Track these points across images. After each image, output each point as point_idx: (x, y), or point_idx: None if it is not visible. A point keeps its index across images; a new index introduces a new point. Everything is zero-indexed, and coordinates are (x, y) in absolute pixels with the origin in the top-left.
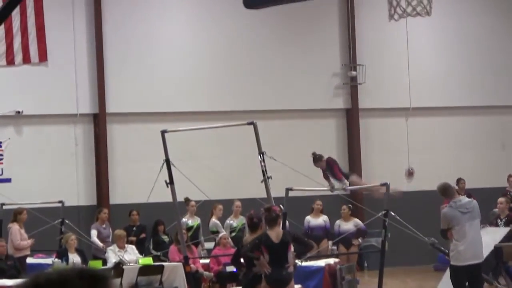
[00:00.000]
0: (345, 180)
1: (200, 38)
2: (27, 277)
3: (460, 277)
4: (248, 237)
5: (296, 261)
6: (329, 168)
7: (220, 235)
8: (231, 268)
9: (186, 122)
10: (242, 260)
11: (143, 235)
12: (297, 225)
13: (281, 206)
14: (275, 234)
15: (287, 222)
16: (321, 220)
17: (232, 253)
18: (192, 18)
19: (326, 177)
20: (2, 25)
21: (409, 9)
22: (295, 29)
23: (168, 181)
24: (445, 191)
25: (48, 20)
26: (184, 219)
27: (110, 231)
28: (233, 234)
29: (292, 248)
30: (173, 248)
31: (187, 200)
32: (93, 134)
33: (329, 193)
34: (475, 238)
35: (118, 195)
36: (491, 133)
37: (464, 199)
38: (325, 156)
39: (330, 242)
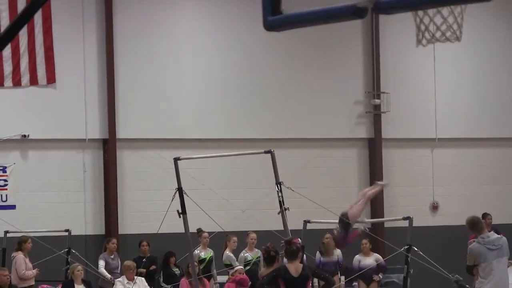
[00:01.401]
0: (364, 220)
1: (215, 63)
2: None
3: None
4: (264, 270)
5: None
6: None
7: (236, 268)
8: None
9: (200, 150)
10: None
11: (153, 267)
12: (314, 258)
13: (299, 239)
14: (295, 267)
15: (304, 256)
16: (334, 254)
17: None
18: (207, 43)
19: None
20: (9, 45)
21: (438, 34)
22: (317, 54)
23: (180, 210)
24: (475, 225)
25: (57, 40)
26: (196, 251)
27: (119, 262)
28: (248, 267)
29: (310, 284)
30: (184, 281)
31: (199, 231)
32: (102, 160)
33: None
34: (502, 276)
35: (128, 225)
36: None
37: (493, 235)
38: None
39: (342, 278)
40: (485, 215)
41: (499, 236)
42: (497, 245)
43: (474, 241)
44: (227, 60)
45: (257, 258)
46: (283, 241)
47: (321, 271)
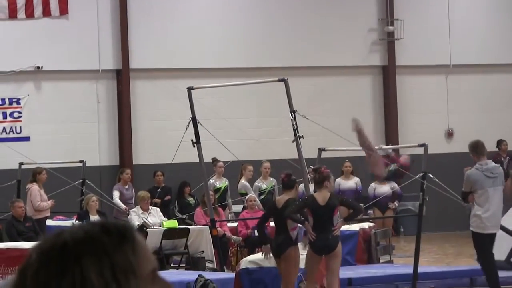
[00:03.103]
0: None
1: None
2: (48, 237)
3: (487, 244)
4: (281, 197)
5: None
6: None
7: (247, 196)
8: None
9: (213, 79)
10: (273, 223)
11: (168, 197)
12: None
13: (312, 167)
14: (322, 196)
15: None
16: (353, 182)
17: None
18: None
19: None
20: None
21: None
22: None
23: (194, 140)
24: (477, 149)
25: None
26: (211, 181)
27: (133, 192)
28: (262, 196)
29: (337, 213)
30: (199, 211)
31: (214, 160)
32: (116, 91)
33: (363, 154)
34: (498, 205)
35: (142, 155)
36: None
37: (491, 163)
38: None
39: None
40: (500, 142)
41: (496, 165)
42: (494, 173)
43: (470, 168)
44: None
45: (271, 187)
46: (311, 168)
47: (349, 200)
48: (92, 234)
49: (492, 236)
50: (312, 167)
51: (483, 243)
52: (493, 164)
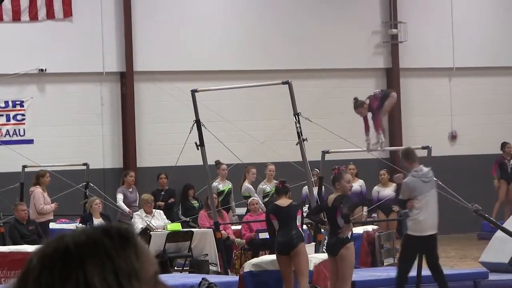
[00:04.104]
0: (382, 135)
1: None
2: (49, 241)
3: (415, 248)
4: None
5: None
6: (372, 111)
7: (250, 199)
8: (264, 235)
9: (218, 82)
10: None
11: (171, 200)
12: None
13: (316, 169)
14: (331, 197)
15: (323, 187)
16: (357, 185)
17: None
18: None
19: (366, 128)
20: None
21: None
22: None
23: (198, 143)
24: (409, 155)
25: None
26: (214, 183)
27: (137, 195)
28: (266, 199)
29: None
30: (203, 214)
31: (218, 163)
32: (120, 94)
33: (367, 156)
34: (434, 208)
35: (146, 158)
36: None
37: (424, 168)
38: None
39: (365, 209)
40: (504, 144)
41: (428, 169)
42: (428, 177)
43: (401, 175)
44: None
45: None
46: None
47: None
48: (94, 238)
49: (427, 239)
50: (316, 169)
51: (414, 247)
52: (426, 168)
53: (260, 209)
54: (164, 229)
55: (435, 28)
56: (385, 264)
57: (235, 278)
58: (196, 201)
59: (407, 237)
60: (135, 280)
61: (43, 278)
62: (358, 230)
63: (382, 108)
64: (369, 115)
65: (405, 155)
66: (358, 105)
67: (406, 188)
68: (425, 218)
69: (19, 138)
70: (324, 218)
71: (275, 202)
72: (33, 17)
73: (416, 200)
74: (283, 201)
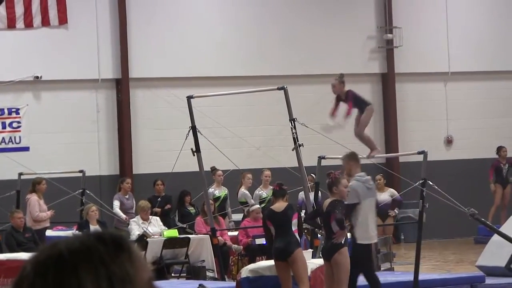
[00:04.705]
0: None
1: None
2: (42, 248)
3: (369, 256)
4: (279, 204)
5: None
6: (346, 100)
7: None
8: (260, 241)
9: (213, 88)
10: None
11: (168, 206)
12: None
13: (312, 175)
14: (326, 202)
15: (319, 193)
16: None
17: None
18: None
19: (334, 108)
20: None
21: None
22: None
23: (194, 149)
24: (355, 157)
25: None
26: (211, 190)
27: (134, 202)
28: (263, 205)
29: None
30: (199, 220)
31: (214, 169)
32: (116, 100)
33: (363, 161)
34: (374, 216)
35: (142, 164)
36: None
37: (366, 175)
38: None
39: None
40: (500, 148)
41: (369, 176)
42: (371, 184)
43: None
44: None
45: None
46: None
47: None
48: (88, 244)
49: (373, 246)
50: (312, 175)
51: (368, 255)
52: (367, 176)
53: (260, 218)
54: (160, 235)
55: (430, 33)
56: (382, 269)
57: (232, 284)
58: (192, 208)
59: (360, 247)
60: (130, 286)
61: (37, 285)
62: None
63: (360, 122)
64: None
65: (351, 156)
66: (341, 80)
67: (355, 192)
68: (370, 226)
69: (15, 145)
70: (321, 223)
71: (271, 207)
72: (28, 24)
73: (360, 205)
74: (279, 205)
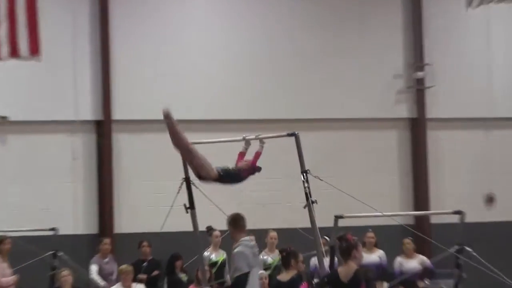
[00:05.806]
0: None
1: (225, 33)
2: None
3: None
4: (284, 274)
5: None
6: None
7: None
8: None
9: (209, 133)
10: None
11: (155, 272)
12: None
13: (326, 237)
14: (346, 271)
15: (335, 258)
16: (376, 256)
17: None
18: (216, 10)
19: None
20: None
21: None
22: (347, 18)
23: (187, 205)
24: (241, 221)
25: (42, 3)
26: (206, 253)
27: (115, 266)
28: (268, 272)
29: None
30: None
31: (210, 229)
32: (95, 146)
33: (389, 222)
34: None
35: (126, 222)
36: None
37: (252, 240)
38: None
39: (386, 285)
40: None
41: (255, 242)
42: (256, 252)
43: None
44: (239, 30)
45: (278, 261)
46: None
47: (372, 279)
48: None
49: None
50: (326, 237)
51: None
52: (253, 242)
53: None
54: None
55: (469, 70)
56: None
57: None
58: (184, 274)
59: None
60: None
61: None
62: None
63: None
64: None
65: (235, 220)
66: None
67: (246, 258)
68: None
69: None
70: None
71: (278, 277)
72: None
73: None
74: (287, 274)
